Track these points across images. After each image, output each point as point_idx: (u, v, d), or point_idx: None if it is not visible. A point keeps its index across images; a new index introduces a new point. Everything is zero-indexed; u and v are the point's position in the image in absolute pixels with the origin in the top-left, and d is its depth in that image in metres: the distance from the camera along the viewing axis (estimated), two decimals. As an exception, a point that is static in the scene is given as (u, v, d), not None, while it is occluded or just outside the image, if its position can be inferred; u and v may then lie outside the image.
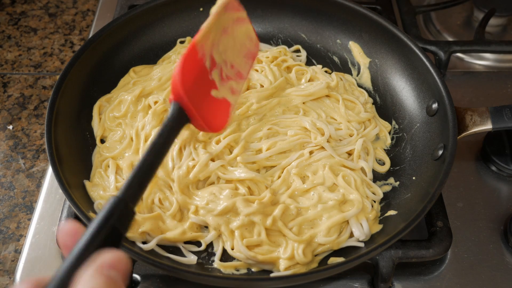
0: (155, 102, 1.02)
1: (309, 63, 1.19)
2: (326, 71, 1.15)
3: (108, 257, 0.54)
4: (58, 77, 0.99)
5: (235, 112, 1.00)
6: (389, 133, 1.06)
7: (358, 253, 0.84)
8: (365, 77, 1.14)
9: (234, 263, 0.86)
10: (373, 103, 1.11)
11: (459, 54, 1.27)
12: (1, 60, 1.33)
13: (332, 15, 1.17)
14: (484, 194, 1.02)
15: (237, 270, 0.87)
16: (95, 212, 0.88)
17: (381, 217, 0.92)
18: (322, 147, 0.98)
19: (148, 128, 0.98)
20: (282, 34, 1.22)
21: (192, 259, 0.87)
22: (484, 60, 1.26)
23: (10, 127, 1.18)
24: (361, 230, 0.88)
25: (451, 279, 0.91)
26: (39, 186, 1.08)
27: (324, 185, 0.92)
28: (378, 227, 0.90)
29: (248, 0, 1.20)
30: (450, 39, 1.31)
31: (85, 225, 0.60)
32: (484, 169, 1.06)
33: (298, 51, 1.21)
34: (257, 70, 1.09)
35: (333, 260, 0.86)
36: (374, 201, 0.94)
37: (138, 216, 0.87)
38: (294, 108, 1.05)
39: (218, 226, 0.88)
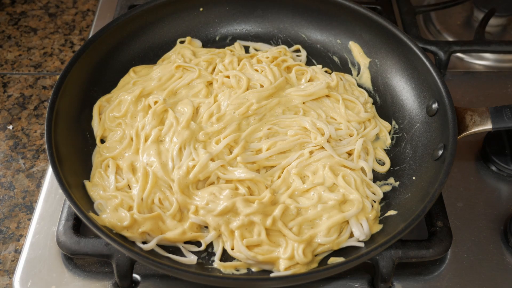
0: (155, 102, 1.02)
1: (309, 63, 1.19)
2: (326, 71, 1.15)
3: None
4: (58, 77, 0.99)
5: (235, 112, 1.00)
6: (389, 133, 1.06)
7: (358, 253, 0.84)
8: (365, 77, 1.14)
9: (234, 263, 0.86)
10: (373, 103, 1.11)
11: (459, 54, 1.27)
12: (1, 60, 1.33)
13: (332, 15, 1.17)
14: (484, 194, 1.02)
15: (237, 270, 0.87)
16: (95, 212, 0.88)
17: (381, 217, 0.92)
18: (322, 147, 0.98)
19: (148, 128, 0.98)
20: (282, 34, 1.22)
21: (192, 259, 0.87)
22: (484, 60, 1.26)
23: (10, 127, 1.18)
24: (361, 230, 0.88)
25: (451, 279, 0.91)
26: (39, 186, 1.08)
27: (324, 185, 0.92)
28: (378, 227, 0.90)
29: (248, 0, 1.21)
30: (450, 39, 1.31)
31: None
32: (484, 169, 1.06)
33: (298, 51, 1.21)
34: (257, 70, 1.09)
35: (333, 260, 0.86)
36: (374, 201, 0.94)
37: (138, 216, 0.87)
38: (294, 108, 1.05)
39: (218, 226, 0.88)
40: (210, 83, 1.09)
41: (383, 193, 0.96)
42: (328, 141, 0.98)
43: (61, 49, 1.37)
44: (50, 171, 1.05)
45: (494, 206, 1.00)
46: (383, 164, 1.01)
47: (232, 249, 0.87)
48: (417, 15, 1.30)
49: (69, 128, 0.97)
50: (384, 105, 1.10)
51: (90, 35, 1.26)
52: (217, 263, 0.87)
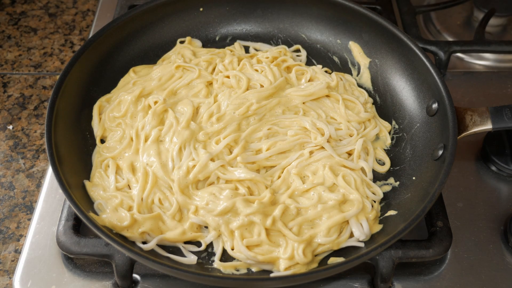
0: (155, 102, 1.02)
1: (309, 63, 1.19)
2: (326, 71, 1.15)
3: None
4: (58, 77, 0.99)
5: (235, 112, 1.00)
6: (389, 133, 1.06)
7: (358, 253, 0.84)
8: (365, 77, 1.14)
9: (234, 263, 0.86)
10: (373, 103, 1.11)
11: (459, 54, 1.27)
12: (1, 60, 1.33)
13: (332, 15, 1.17)
14: (484, 194, 1.02)
15: (237, 270, 0.87)
16: (95, 212, 0.88)
17: (381, 217, 0.92)
18: (322, 147, 0.98)
19: (148, 128, 0.98)
20: (282, 34, 1.22)
21: (192, 259, 0.87)
22: (484, 60, 1.26)
23: (10, 127, 1.18)
24: (361, 230, 0.88)
25: (451, 279, 0.91)
26: (39, 186, 1.08)
27: (324, 185, 0.92)
28: (378, 227, 0.90)
29: (248, 0, 1.21)
30: (450, 39, 1.31)
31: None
32: (484, 169, 1.06)
33: (298, 51, 1.21)
34: (257, 70, 1.09)
35: (333, 260, 0.86)
36: (374, 201, 0.94)
37: (138, 216, 0.87)
38: (294, 108, 1.05)
39: (218, 226, 0.88)
40: (210, 83, 1.09)
41: (383, 193, 0.96)
42: (328, 141, 0.98)
43: (61, 49, 1.37)
44: (50, 171, 1.05)
45: (494, 206, 1.00)
46: (383, 164, 1.01)
47: (232, 249, 0.87)
48: (417, 15, 1.30)
49: (69, 128, 0.97)
50: (384, 105, 1.10)
51: (90, 35, 1.26)
52: (217, 263, 0.87)
